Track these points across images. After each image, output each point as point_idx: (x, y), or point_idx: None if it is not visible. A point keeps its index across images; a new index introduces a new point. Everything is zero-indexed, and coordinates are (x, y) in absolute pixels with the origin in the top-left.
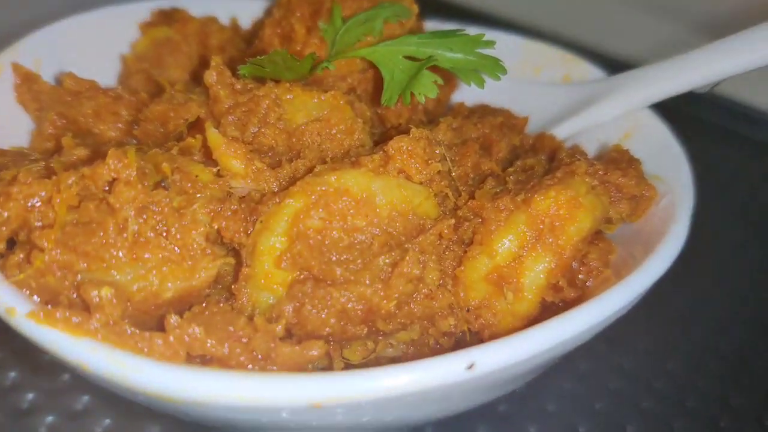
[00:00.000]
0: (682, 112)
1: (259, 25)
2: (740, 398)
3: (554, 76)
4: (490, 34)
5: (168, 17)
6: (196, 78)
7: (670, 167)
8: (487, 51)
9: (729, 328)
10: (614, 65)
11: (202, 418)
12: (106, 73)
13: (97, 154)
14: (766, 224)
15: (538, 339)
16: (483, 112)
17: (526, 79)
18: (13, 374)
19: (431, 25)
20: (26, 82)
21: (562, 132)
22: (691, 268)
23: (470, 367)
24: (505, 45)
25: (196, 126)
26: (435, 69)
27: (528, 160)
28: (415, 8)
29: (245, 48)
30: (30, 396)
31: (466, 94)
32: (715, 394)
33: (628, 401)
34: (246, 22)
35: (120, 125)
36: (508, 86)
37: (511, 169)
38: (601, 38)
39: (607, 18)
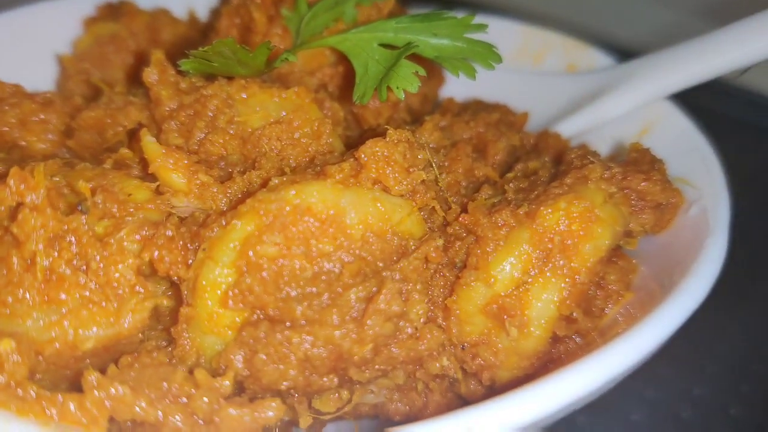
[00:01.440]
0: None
1: (216, 16)
2: None
3: (556, 65)
4: (481, 18)
5: (115, 11)
6: (138, 78)
7: (697, 168)
8: (478, 36)
9: None
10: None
11: None
12: (41, 75)
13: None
14: None
15: (553, 394)
16: (476, 108)
17: (525, 70)
18: None
19: (415, 12)
20: None
21: (568, 129)
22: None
23: None
24: (499, 31)
25: (137, 134)
26: (417, 58)
27: (530, 162)
28: None
29: (202, 42)
30: None
31: (456, 89)
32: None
33: None
34: (205, 13)
35: (51, 136)
36: (505, 78)
37: (510, 174)
38: (600, 23)
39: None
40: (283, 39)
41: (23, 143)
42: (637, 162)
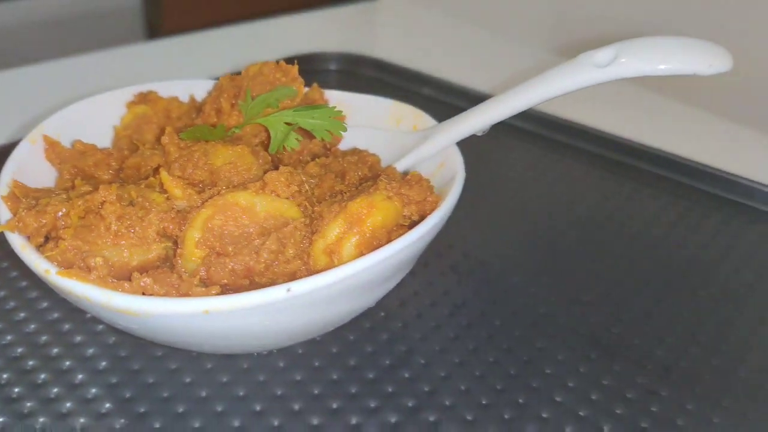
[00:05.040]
0: None
1: (203, 103)
2: None
3: (408, 126)
4: (368, 98)
5: (145, 98)
6: (159, 140)
7: (454, 182)
8: (338, 118)
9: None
10: None
11: (149, 331)
12: (104, 139)
13: (97, 188)
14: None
15: (334, 274)
16: (349, 153)
17: (390, 129)
18: None
19: (333, 94)
20: (51, 146)
21: (402, 165)
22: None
23: (288, 290)
24: (379, 105)
25: (158, 170)
26: (303, 130)
27: (369, 183)
28: (302, 89)
29: (196, 117)
30: None
31: (345, 142)
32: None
33: None
34: (201, 95)
35: (111, 172)
36: (376, 134)
37: (354, 189)
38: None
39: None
40: (239, 118)
41: (96, 176)
42: (409, 181)
